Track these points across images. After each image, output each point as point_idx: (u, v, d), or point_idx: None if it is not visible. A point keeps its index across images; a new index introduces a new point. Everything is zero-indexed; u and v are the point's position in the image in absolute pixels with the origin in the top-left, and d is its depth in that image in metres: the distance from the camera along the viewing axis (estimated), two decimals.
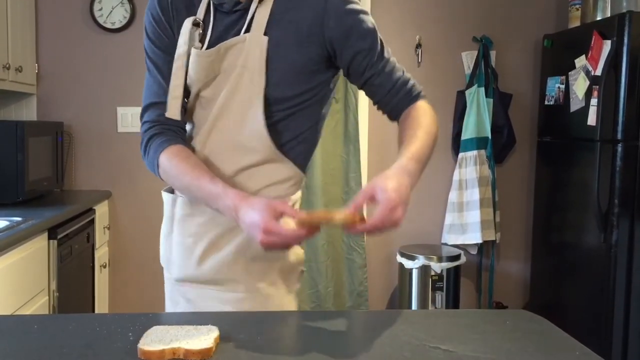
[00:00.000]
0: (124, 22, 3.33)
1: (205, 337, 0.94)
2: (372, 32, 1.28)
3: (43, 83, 3.36)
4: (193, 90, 1.30)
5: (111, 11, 3.33)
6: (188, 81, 1.29)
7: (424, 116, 1.27)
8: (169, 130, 1.30)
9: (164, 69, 1.31)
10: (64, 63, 3.37)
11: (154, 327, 0.97)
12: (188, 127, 1.36)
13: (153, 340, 0.93)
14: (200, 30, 1.28)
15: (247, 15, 1.25)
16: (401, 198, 1.06)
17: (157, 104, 1.31)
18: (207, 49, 1.26)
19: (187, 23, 1.27)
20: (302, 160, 1.33)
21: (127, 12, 3.32)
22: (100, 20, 3.33)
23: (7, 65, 2.83)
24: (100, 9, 3.33)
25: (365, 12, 1.28)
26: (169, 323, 1.01)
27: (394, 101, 1.30)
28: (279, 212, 1.10)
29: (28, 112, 3.35)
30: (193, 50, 1.27)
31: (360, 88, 1.33)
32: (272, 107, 1.25)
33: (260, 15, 1.24)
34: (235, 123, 1.26)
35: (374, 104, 1.34)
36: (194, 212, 1.30)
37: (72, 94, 3.39)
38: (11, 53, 2.90)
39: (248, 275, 1.28)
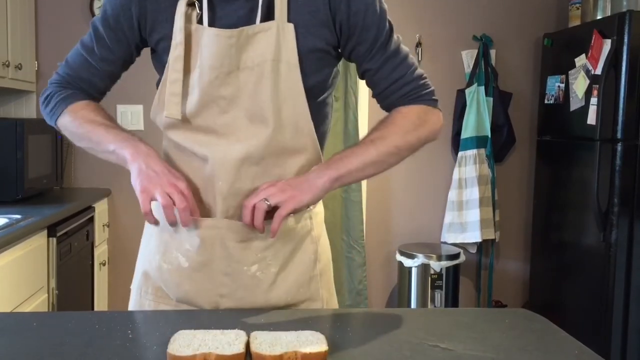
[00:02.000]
0: None
1: (235, 342, 0.91)
2: (378, 22, 1.17)
3: (43, 81, 3.36)
4: (203, 82, 1.13)
5: None
6: (197, 72, 1.13)
7: (401, 120, 1.20)
8: (78, 89, 1.29)
9: (104, 51, 1.23)
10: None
11: (180, 332, 0.94)
12: (185, 134, 1.17)
13: (181, 345, 0.90)
14: (197, 12, 1.13)
15: None
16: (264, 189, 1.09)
17: (74, 75, 1.30)
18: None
19: (182, 3, 1.13)
20: (322, 149, 1.27)
21: None
22: None
23: (7, 63, 2.83)
24: (100, 6, 3.32)
25: None
26: (172, 322, 1.01)
27: (391, 99, 1.23)
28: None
29: (28, 109, 3.34)
30: (209, 30, 1.12)
31: (360, 78, 1.26)
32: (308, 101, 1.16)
33: (279, 0, 1.12)
34: (280, 126, 1.14)
35: (373, 96, 1.27)
36: (251, 236, 1.15)
37: None
38: (11, 50, 2.90)
39: (322, 290, 1.28)
